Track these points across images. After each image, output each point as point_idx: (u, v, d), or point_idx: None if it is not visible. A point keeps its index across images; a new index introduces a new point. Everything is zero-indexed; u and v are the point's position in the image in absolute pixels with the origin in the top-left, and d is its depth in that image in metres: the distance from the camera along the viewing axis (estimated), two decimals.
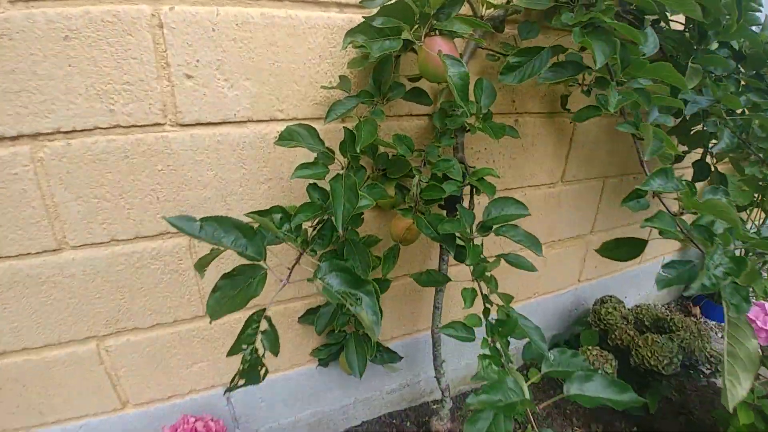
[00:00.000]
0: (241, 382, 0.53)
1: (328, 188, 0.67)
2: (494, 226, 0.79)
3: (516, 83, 0.78)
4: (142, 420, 0.95)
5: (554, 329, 1.57)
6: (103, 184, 0.74)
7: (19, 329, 0.79)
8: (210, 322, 0.72)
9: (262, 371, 0.54)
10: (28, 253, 0.74)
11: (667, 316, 1.39)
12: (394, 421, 1.29)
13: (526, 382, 0.66)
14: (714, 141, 1.10)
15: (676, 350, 1.23)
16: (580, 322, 1.56)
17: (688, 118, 1.06)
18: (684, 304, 1.97)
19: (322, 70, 0.82)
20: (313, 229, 0.72)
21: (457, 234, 0.80)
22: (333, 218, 0.63)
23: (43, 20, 0.62)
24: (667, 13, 0.92)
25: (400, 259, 0.89)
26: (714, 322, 1.87)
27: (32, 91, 0.65)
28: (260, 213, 0.65)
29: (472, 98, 0.82)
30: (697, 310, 1.91)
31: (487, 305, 0.83)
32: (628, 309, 1.45)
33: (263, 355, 0.54)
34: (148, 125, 0.73)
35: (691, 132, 1.13)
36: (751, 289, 0.58)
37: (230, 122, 0.78)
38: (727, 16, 0.92)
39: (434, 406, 1.12)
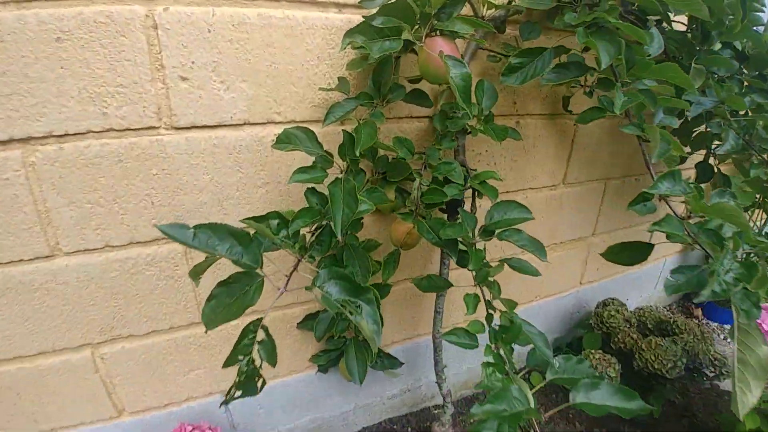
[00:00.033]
0: (238, 393, 0.52)
1: (326, 193, 0.65)
2: (497, 231, 0.77)
3: (518, 85, 0.76)
4: (138, 428, 0.94)
5: (556, 332, 1.56)
6: (96, 189, 0.72)
7: (12, 337, 0.77)
8: (206, 332, 0.70)
9: (260, 382, 0.53)
10: (21, 260, 0.73)
11: (670, 318, 1.38)
12: (395, 426, 1.28)
13: (531, 389, 0.65)
14: (717, 142, 1.09)
15: (680, 353, 1.21)
16: (581, 324, 1.55)
17: (689, 119, 1.05)
18: (686, 306, 1.96)
19: (320, 71, 0.80)
20: (312, 235, 0.71)
21: (459, 239, 0.79)
22: (332, 224, 0.62)
23: (34, 21, 0.61)
24: (669, 14, 0.91)
25: (400, 262, 0.87)
26: (716, 324, 1.85)
27: (24, 94, 0.64)
28: (256, 219, 0.63)
29: (473, 100, 0.81)
30: (698, 312, 1.90)
31: (490, 311, 0.81)
32: (631, 312, 1.44)
33: (260, 366, 0.52)
34: (142, 128, 0.71)
35: (693, 133, 1.12)
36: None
37: (226, 125, 0.77)
38: (730, 17, 0.91)
39: (435, 411, 1.10)
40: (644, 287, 1.78)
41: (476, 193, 0.89)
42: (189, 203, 0.79)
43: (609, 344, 1.36)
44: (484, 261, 0.79)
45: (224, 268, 0.85)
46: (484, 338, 0.81)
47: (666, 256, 1.81)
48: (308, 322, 0.99)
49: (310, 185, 0.73)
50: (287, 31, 0.75)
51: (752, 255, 0.71)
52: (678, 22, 0.99)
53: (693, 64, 0.91)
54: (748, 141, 1.02)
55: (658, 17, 0.91)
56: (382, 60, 0.74)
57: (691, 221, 0.67)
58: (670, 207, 0.70)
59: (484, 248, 0.81)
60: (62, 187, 0.71)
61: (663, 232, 0.63)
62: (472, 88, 0.70)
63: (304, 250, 0.66)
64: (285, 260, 0.88)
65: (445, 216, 0.90)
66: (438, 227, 0.77)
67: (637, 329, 1.38)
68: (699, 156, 1.18)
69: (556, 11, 0.78)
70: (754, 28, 0.96)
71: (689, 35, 0.97)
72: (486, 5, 0.81)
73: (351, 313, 0.50)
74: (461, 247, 0.80)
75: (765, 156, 1.03)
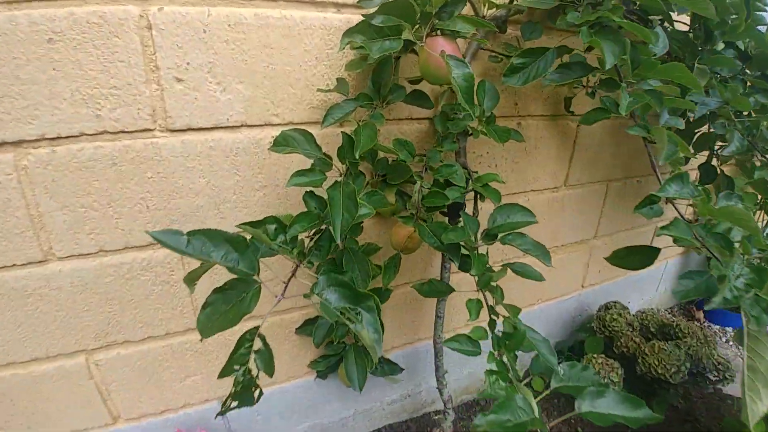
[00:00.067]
0: (234, 404, 0.50)
1: (325, 196, 0.64)
2: (500, 234, 0.76)
3: (520, 85, 0.75)
4: None
5: (558, 336, 1.54)
6: (90, 193, 0.71)
7: (5, 343, 0.76)
8: (201, 340, 0.69)
9: (256, 393, 0.51)
10: (13, 265, 0.72)
11: (673, 322, 1.36)
12: None
13: (535, 398, 0.63)
14: (721, 143, 1.08)
15: (684, 358, 1.20)
16: (583, 328, 1.53)
17: (692, 120, 1.04)
18: (687, 308, 1.95)
19: (318, 72, 0.79)
20: (311, 240, 0.69)
21: (461, 243, 0.78)
22: (331, 228, 0.60)
23: (26, 22, 0.60)
24: (671, 13, 0.90)
25: (400, 266, 0.86)
26: (718, 326, 1.84)
27: (15, 97, 0.63)
28: (253, 224, 0.62)
29: (475, 101, 0.80)
30: (700, 314, 1.88)
31: (493, 317, 0.80)
32: (633, 315, 1.42)
33: (257, 376, 0.51)
34: (136, 131, 0.70)
35: (696, 134, 1.11)
36: None
37: (223, 127, 0.75)
38: (733, 16, 0.90)
39: (436, 417, 1.09)
40: (646, 289, 1.77)
41: (478, 196, 0.87)
42: (185, 207, 0.78)
43: (611, 348, 1.34)
44: (487, 265, 0.77)
45: (221, 274, 0.82)
46: (485, 343, 0.80)
47: (667, 259, 1.79)
48: (307, 327, 0.97)
49: (308, 188, 0.72)
50: (285, 31, 0.73)
51: (759, 260, 0.70)
52: (679, 21, 0.98)
53: (696, 64, 0.89)
54: (751, 142, 1.01)
55: (660, 17, 0.90)
56: (381, 60, 0.73)
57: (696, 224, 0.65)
58: (677, 210, 0.69)
59: (487, 252, 0.79)
60: (55, 190, 0.69)
61: (671, 236, 0.62)
62: (475, 89, 0.68)
63: (302, 256, 0.64)
64: (283, 265, 0.86)
65: (447, 219, 0.88)
66: (440, 231, 0.75)
67: (640, 333, 1.37)
68: (701, 157, 1.17)
69: (558, 11, 0.77)
70: (758, 27, 0.95)
71: (691, 35, 0.96)
72: (487, 5, 0.79)
73: (351, 321, 0.49)
74: (463, 251, 0.78)
75: None
